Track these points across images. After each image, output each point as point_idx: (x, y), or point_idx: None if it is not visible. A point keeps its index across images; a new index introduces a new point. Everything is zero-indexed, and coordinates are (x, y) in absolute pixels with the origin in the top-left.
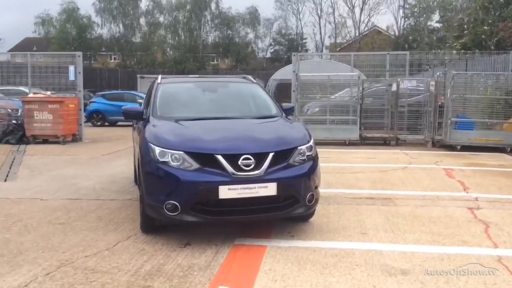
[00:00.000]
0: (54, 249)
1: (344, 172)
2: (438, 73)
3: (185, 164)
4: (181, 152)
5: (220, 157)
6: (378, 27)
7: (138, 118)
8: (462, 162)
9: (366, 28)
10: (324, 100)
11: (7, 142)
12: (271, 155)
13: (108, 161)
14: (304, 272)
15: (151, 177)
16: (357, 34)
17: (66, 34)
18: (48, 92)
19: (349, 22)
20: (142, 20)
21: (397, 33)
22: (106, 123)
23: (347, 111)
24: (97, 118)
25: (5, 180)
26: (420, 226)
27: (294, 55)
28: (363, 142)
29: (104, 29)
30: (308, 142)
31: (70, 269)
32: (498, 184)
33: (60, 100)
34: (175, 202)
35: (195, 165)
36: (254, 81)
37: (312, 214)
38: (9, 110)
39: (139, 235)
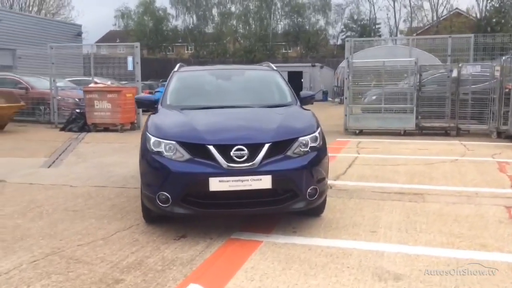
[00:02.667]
0: (54, 236)
1: (385, 164)
2: (504, 57)
3: (177, 154)
4: (174, 142)
5: (211, 148)
6: (459, 9)
7: (150, 107)
8: None
9: (445, 11)
10: (380, 88)
11: (70, 130)
12: (266, 146)
13: None
14: (288, 272)
15: (146, 167)
16: (434, 17)
17: (143, 26)
18: (109, 82)
19: (426, 5)
20: (214, 11)
21: (478, 16)
22: None
23: (404, 99)
24: None
25: (49, 167)
26: (440, 226)
27: (347, 41)
28: (421, 132)
29: (178, 21)
30: (313, 132)
31: (57, 257)
32: None
33: (118, 90)
34: (166, 194)
35: (187, 156)
36: (274, 68)
37: (322, 208)
38: (77, 100)
39: (141, 225)
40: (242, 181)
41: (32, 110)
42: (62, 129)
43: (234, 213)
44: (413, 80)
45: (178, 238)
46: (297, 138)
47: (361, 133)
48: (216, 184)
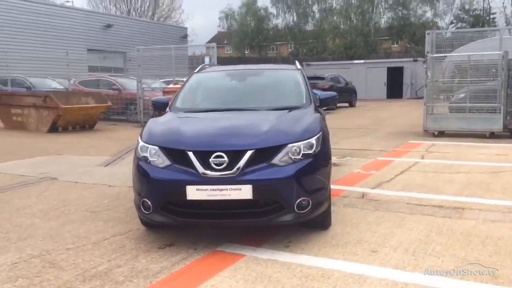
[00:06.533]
0: (54, 238)
1: (443, 171)
2: None
3: (159, 160)
4: (157, 148)
5: (191, 154)
6: None
7: (163, 109)
8: None
9: None
10: (465, 85)
11: None
12: (249, 153)
13: None
14: None
15: (134, 172)
16: None
17: (246, 26)
18: None
19: None
20: (315, 7)
21: None
22: None
23: (493, 97)
24: None
25: (106, 166)
26: (458, 249)
27: (428, 34)
28: None
29: (278, 19)
30: (309, 138)
31: (38, 261)
32: None
33: None
34: (148, 201)
35: (167, 162)
36: (298, 67)
37: (326, 221)
38: None
39: (140, 230)
40: (221, 190)
41: (124, 110)
42: None
43: (213, 224)
44: (503, 75)
45: (163, 247)
46: (286, 144)
47: (442, 134)
48: (194, 193)
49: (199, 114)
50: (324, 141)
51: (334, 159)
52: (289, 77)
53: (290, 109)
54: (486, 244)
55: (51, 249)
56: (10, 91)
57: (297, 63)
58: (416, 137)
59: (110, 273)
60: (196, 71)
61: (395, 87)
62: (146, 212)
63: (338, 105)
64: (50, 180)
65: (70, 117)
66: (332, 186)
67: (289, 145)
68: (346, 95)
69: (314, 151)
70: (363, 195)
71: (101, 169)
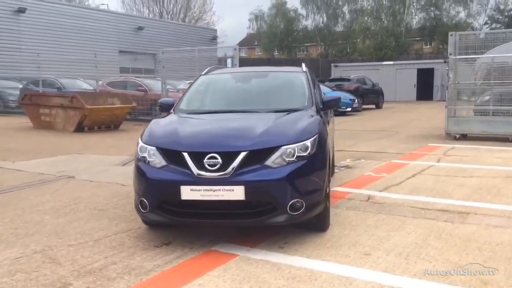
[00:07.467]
0: (58, 234)
1: (457, 175)
2: None
3: (156, 160)
4: (154, 148)
5: (186, 155)
6: None
7: (168, 111)
8: None
9: None
10: (488, 87)
11: None
12: (242, 154)
13: None
14: None
15: (134, 172)
16: None
17: (275, 28)
18: None
19: None
20: (345, 8)
21: None
22: None
23: None
24: None
25: (123, 165)
26: (453, 254)
27: (451, 35)
28: None
29: (308, 21)
30: (304, 140)
31: (39, 256)
32: None
33: None
34: (145, 200)
35: (163, 162)
36: (304, 69)
37: (324, 223)
38: None
39: (142, 228)
40: (214, 190)
41: (149, 110)
42: None
43: (206, 224)
44: None
45: (160, 245)
46: (279, 146)
47: (464, 138)
48: (188, 193)
49: (199, 115)
50: (321, 144)
51: (347, 162)
52: (293, 79)
53: (290, 111)
54: (482, 250)
55: (54, 245)
56: (39, 92)
57: (303, 65)
58: (437, 140)
59: (105, 269)
60: (203, 73)
61: (425, 88)
62: (144, 211)
63: (364, 106)
64: (67, 178)
65: (96, 117)
66: (339, 189)
67: (283, 147)
68: (373, 97)
69: (309, 153)
70: (369, 198)
71: (117, 168)
